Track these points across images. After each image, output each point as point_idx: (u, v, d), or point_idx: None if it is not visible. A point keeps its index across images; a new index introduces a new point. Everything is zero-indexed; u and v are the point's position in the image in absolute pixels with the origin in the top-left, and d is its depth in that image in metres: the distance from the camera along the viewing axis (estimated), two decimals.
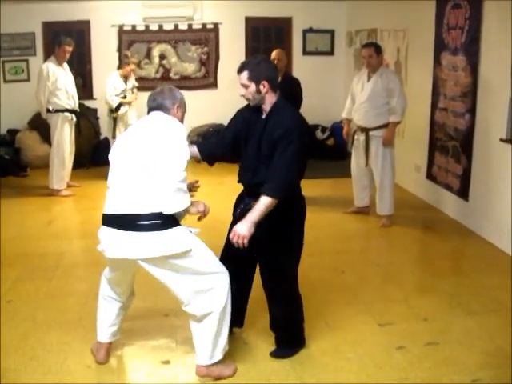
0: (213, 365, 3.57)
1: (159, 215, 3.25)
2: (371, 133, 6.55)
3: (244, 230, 3.40)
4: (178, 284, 3.40)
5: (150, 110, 3.58)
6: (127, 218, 3.28)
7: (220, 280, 3.47)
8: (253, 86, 3.59)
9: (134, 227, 3.26)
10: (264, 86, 3.60)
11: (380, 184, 6.65)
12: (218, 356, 3.56)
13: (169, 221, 3.29)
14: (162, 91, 3.60)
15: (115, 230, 3.32)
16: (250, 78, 3.58)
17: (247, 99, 3.68)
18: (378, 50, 6.46)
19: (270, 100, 3.66)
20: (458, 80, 6.56)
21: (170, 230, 3.28)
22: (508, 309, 4.53)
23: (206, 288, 3.42)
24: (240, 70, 3.62)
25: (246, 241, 3.41)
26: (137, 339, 4.09)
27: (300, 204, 3.89)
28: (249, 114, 3.77)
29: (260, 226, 3.48)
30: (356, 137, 6.80)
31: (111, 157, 3.52)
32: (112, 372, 3.68)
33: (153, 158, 3.29)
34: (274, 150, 3.53)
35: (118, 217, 3.32)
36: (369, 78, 6.52)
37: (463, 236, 6.34)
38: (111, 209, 3.39)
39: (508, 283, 5.03)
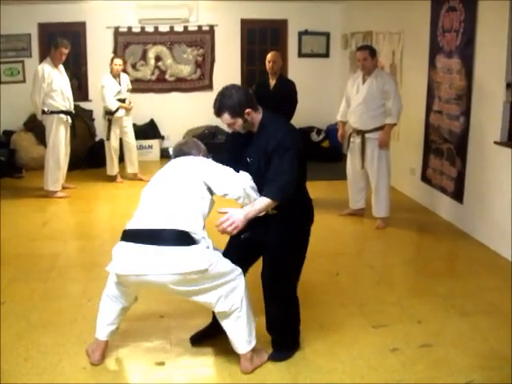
0: (252, 356, 3.70)
1: (181, 233, 3.38)
2: (367, 135, 6.56)
3: (240, 220, 3.43)
4: (205, 295, 3.52)
5: (174, 157, 3.86)
6: (152, 232, 3.40)
7: (236, 274, 3.60)
8: (239, 120, 3.61)
9: (157, 241, 3.36)
10: (249, 114, 3.60)
11: (376, 186, 6.66)
12: (254, 341, 3.70)
13: (189, 239, 3.39)
14: (187, 143, 3.99)
15: (140, 245, 3.38)
16: (234, 116, 3.59)
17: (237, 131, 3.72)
18: (372, 52, 6.48)
19: (256, 119, 3.67)
20: (452, 83, 6.58)
21: (191, 247, 3.39)
22: (502, 310, 4.55)
23: (230, 288, 3.56)
24: (219, 113, 3.62)
25: (235, 232, 3.45)
26: (132, 340, 4.09)
27: (308, 207, 3.91)
28: (239, 135, 3.76)
29: (271, 228, 3.59)
30: (351, 139, 6.80)
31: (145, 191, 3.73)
32: (107, 373, 3.68)
33: (187, 182, 3.55)
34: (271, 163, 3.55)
35: (147, 231, 3.43)
36: (364, 81, 6.53)
37: (457, 238, 6.36)
38: (137, 224, 3.51)
39: (502, 285, 5.05)
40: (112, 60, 8.60)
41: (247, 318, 3.64)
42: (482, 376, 3.66)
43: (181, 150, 3.86)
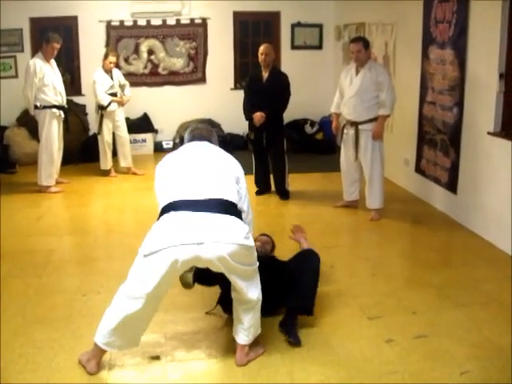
0: (248, 350, 3.72)
1: (231, 203, 3.47)
2: (360, 127, 6.56)
3: None
4: (246, 279, 3.55)
5: (195, 139, 3.90)
6: (208, 201, 3.39)
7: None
8: None
9: (216, 209, 3.37)
10: None
11: (369, 178, 6.66)
12: (256, 333, 3.78)
13: (238, 211, 3.53)
14: (211, 131, 4.06)
15: (197, 213, 3.33)
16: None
17: None
18: (366, 44, 6.47)
19: None
20: (445, 74, 6.57)
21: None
22: (497, 301, 4.57)
23: (257, 277, 3.65)
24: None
25: None
26: None
27: None
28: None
29: None
30: (345, 131, 6.79)
31: (170, 165, 3.72)
32: (102, 368, 3.66)
33: (231, 170, 3.73)
34: None
35: (197, 201, 3.39)
36: (357, 72, 6.52)
37: (452, 229, 6.37)
38: (191, 196, 3.44)
39: (497, 276, 5.07)
40: (106, 56, 8.57)
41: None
42: (477, 366, 3.67)
43: (201, 135, 3.92)
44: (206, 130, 4.04)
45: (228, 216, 3.37)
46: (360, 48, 6.41)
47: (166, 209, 3.41)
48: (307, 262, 4.25)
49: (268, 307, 3.91)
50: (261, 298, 3.67)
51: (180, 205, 3.37)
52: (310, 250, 4.48)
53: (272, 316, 4.15)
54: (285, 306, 4.12)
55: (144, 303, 3.40)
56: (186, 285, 3.95)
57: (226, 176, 3.61)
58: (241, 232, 3.36)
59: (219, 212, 3.35)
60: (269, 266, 4.00)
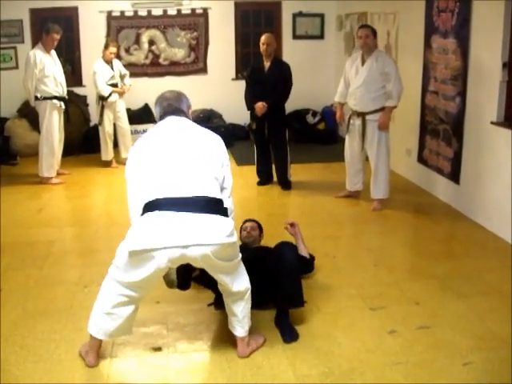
0: (249, 340, 3.71)
1: (216, 200, 3.40)
2: (367, 117, 6.51)
3: None
4: (232, 273, 3.55)
5: (166, 113, 3.71)
6: (192, 200, 3.31)
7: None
8: None
9: (200, 209, 3.30)
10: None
11: (375, 168, 6.63)
12: (250, 323, 3.75)
13: (223, 208, 3.43)
14: (176, 96, 3.79)
15: (187, 213, 3.27)
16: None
17: None
18: (374, 31, 6.43)
19: None
20: (448, 63, 6.53)
21: (227, 218, 3.44)
22: (499, 292, 4.55)
23: (242, 268, 3.65)
24: None
25: None
26: None
27: None
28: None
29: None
30: (351, 121, 6.74)
31: (146, 153, 3.52)
32: (103, 359, 3.66)
33: (213, 152, 3.54)
34: None
35: (181, 199, 3.31)
36: (363, 62, 6.47)
37: (454, 219, 6.35)
38: (174, 193, 3.34)
39: (500, 266, 5.05)
40: (106, 46, 8.54)
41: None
42: (480, 357, 3.66)
43: (171, 106, 3.73)
44: (176, 99, 3.79)
45: (212, 215, 3.31)
46: (368, 33, 6.36)
47: (150, 206, 3.34)
48: (284, 258, 4.11)
49: (259, 298, 3.89)
50: (249, 286, 3.66)
51: (164, 203, 3.30)
52: (284, 243, 4.39)
53: (267, 307, 4.18)
54: (274, 299, 4.13)
55: (130, 292, 3.45)
56: (169, 283, 3.92)
57: (209, 164, 3.47)
58: (225, 230, 3.32)
59: (203, 211, 3.29)
60: (254, 261, 3.97)
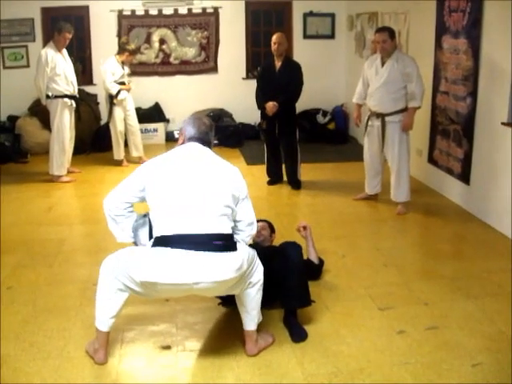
0: (257, 339, 3.73)
1: (227, 236, 3.44)
2: (387, 118, 6.44)
3: None
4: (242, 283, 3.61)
5: (197, 138, 3.67)
6: (201, 237, 3.34)
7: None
8: None
9: (209, 247, 3.33)
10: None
11: (397, 170, 6.54)
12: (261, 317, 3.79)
13: (233, 241, 3.49)
14: (210, 126, 3.76)
15: (192, 251, 3.31)
16: None
17: None
18: (391, 34, 6.31)
19: None
20: (459, 63, 6.51)
21: (239, 249, 3.48)
22: (508, 292, 4.53)
23: (257, 262, 3.70)
24: None
25: None
26: (137, 324, 4.09)
27: None
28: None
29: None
30: (370, 123, 6.67)
31: (157, 180, 3.49)
32: (112, 357, 3.67)
33: (227, 187, 3.49)
34: None
35: (190, 237, 3.34)
36: (383, 63, 6.39)
37: (464, 220, 6.32)
38: (185, 229, 3.36)
39: (508, 267, 5.02)
40: (131, 52, 8.59)
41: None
42: (489, 358, 3.65)
43: (206, 134, 3.71)
44: (210, 128, 3.76)
45: (221, 253, 3.34)
46: (385, 38, 6.24)
47: (161, 241, 3.37)
48: (288, 257, 4.10)
49: (266, 298, 3.88)
50: (262, 277, 3.68)
51: (174, 241, 3.33)
52: (288, 242, 4.38)
53: (275, 307, 4.18)
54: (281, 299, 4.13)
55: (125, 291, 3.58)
56: None
57: (225, 200, 3.45)
58: (234, 266, 3.36)
59: (213, 249, 3.32)
60: (261, 261, 3.97)
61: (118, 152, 8.86)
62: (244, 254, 3.47)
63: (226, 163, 3.64)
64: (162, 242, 3.36)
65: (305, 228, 4.82)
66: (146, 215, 3.64)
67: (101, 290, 3.60)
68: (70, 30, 7.76)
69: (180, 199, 3.41)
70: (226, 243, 3.39)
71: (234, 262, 3.36)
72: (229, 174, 3.57)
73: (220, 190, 3.46)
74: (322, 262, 4.80)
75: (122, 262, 3.51)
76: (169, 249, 3.31)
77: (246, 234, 3.62)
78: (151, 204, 3.49)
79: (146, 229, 3.62)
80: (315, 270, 4.68)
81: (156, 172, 3.51)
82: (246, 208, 3.60)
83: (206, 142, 3.69)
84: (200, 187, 3.43)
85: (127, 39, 9.19)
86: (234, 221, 3.55)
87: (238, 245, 3.47)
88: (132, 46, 8.76)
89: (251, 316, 3.69)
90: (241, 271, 3.40)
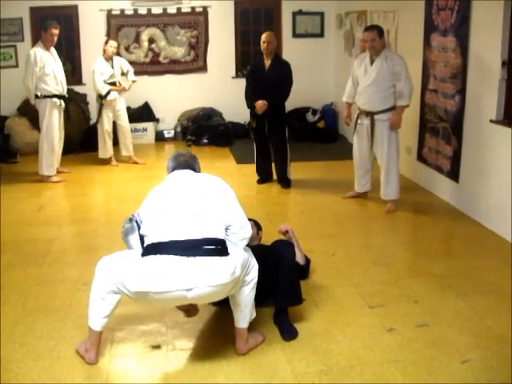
0: (248, 338, 3.74)
1: (219, 241, 3.44)
2: (376, 117, 6.45)
3: None
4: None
5: (180, 167, 3.82)
6: (192, 242, 3.35)
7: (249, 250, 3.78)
8: None
9: (199, 252, 3.34)
10: None
11: (386, 168, 6.56)
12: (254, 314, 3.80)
13: (225, 245, 3.49)
14: (191, 157, 3.95)
15: (181, 257, 3.32)
16: None
17: None
18: (380, 33, 6.32)
19: None
20: (447, 61, 6.53)
21: (231, 254, 3.47)
22: (499, 290, 4.55)
23: (252, 261, 3.70)
24: None
25: None
26: (127, 324, 4.09)
27: None
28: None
29: None
30: (359, 121, 6.68)
31: (156, 199, 3.62)
32: (103, 357, 3.67)
33: (212, 193, 3.59)
34: None
35: (181, 242, 3.35)
36: (372, 61, 6.40)
37: (454, 217, 6.35)
38: (170, 236, 3.39)
39: (499, 265, 5.05)
40: (106, 42, 8.55)
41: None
42: (479, 355, 3.66)
43: (186, 162, 3.86)
44: (191, 158, 3.94)
45: (212, 257, 3.35)
46: (374, 37, 6.26)
47: (152, 249, 3.39)
48: (282, 256, 4.12)
49: (257, 296, 3.88)
50: (256, 276, 3.68)
51: (165, 248, 3.35)
52: (281, 241, 4.42)
53: (266, 305, 4.18)
54: (273, 297, 4.12)
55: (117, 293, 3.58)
56: None
57: (213, 206, 3.52)
58: (226, 270, 3.35)
59: (204, 253, 3.34)
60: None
61: (104, 151, 8.84)
62: (237, 258, 3.46)
63: (208, 174, 3.78)
64: (153, 249, 3.38)
65: (286, 232, 4.80)
66: (131, 219, 3.64)
67: (95, 290, 3.60)
68: (56, 26, 7.69)
69: (168, 208, 3.49)
70: (216, 248, 3.39)
71: (226, 267, 3.35)
72: (212, 182, 3.69)
73: (205, 196, 3.54)
74: (308, 261, 4.80)
75: (115, 269, 3.51)
76: (159, 256, 3.33)
77: (239, 237, 3.60)
78: (143, 219, 3.57)
79: (136, 233, 3.62)
80: (302, 271, 4.66)
81: (147, 200, 3.66)
82: (235, 211, 3.61)
83: (188, 168, 3.83)
84: (186, 196, 3.54)
85: (110, 37, 9.18)
86: (226, 225, 3.57)
87: (230, 249, 3.47)
88: (112, 42, 8.68)
89: (244, 314, 3.68)
90: (234, 276, 3.38)
